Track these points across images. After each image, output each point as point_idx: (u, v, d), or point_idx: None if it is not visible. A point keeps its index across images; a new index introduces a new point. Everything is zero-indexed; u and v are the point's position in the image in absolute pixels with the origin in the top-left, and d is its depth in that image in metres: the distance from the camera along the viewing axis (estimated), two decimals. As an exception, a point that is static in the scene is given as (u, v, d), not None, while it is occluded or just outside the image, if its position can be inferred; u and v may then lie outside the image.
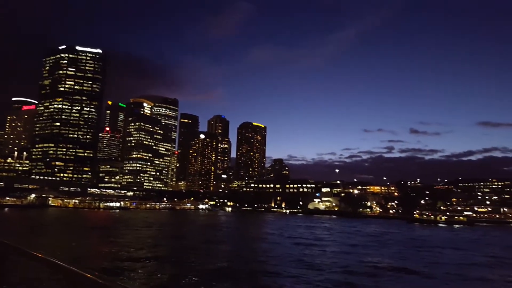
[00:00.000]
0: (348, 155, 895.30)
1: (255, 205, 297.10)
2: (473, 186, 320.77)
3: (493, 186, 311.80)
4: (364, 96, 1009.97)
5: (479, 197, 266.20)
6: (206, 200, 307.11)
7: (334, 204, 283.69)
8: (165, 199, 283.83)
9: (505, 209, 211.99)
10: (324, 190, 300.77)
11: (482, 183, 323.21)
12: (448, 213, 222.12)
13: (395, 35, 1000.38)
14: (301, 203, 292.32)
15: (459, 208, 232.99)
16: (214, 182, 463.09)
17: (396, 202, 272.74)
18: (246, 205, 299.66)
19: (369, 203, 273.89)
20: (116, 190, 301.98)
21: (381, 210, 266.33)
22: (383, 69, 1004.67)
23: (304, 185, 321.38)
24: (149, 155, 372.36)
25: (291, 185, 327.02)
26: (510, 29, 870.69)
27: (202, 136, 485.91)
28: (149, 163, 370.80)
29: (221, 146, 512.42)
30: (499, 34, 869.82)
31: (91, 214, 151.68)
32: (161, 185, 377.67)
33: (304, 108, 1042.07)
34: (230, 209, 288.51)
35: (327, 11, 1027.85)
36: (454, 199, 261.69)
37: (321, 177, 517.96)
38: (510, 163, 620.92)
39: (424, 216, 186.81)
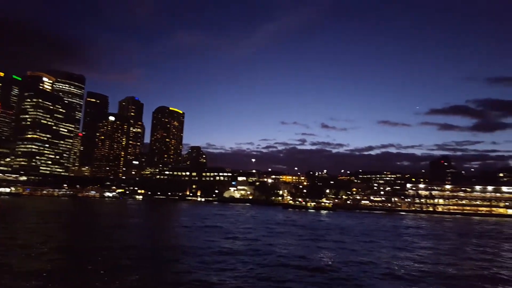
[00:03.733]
0: (265, 145, 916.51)
1: (169, 193, 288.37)
2: (371, 177, 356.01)
3: (387, 178, 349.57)
4: (283, 89, 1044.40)
5: (375, 188, 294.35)
6: (114, 187, 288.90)
7: (249, 192, 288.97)
8: (65, 185, 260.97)
9: (396, 199, 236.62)
10: (240, 179, 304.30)
11: (378, 175, 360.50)
12: (348, 202, 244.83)
13: (316, 34, 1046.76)
14: (217, 191, 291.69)
15: (358, 197, 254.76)
16: (124, 169, 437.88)
17: (305, 191, 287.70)
18: (159, 193, 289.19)
19: (281, 192, 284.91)
20: (6, 174, 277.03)
21: (291, 198, 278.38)
22: (300, 65, 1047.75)
23: (221, 174, 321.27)
24: (48, 136, 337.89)
25: (208, 173, 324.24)
26: (413, 32, 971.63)
27: (111, 118, 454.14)
28: (47, 145, 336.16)
29: (133, 130, 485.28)
30: (403, 39, 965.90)
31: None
32: (61, 170, 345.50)
33: (225, 96, 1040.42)
34: (141, 197, 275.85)
35: (256, 2, 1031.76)
36: (354, 189, 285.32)
37: (239, 166, 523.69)
38: (402, 158, 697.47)
39: (297, 202, 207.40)
